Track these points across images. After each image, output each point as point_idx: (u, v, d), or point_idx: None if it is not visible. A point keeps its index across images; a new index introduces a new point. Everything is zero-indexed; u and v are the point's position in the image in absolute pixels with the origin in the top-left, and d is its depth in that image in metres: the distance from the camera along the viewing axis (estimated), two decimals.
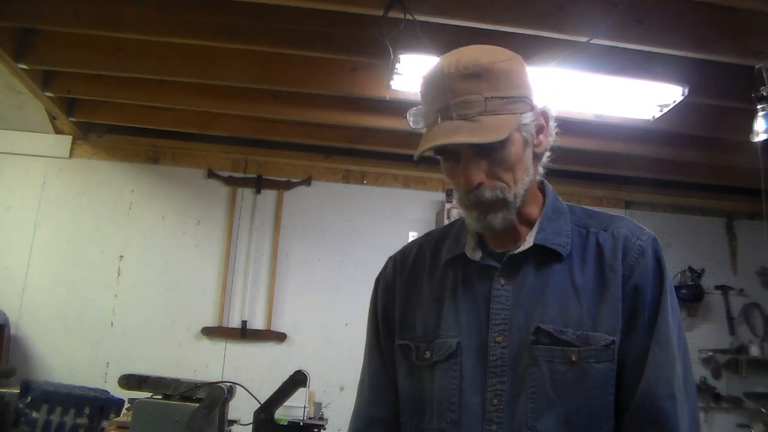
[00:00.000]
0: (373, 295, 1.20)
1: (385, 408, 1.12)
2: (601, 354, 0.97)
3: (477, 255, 1.09)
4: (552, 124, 1.08)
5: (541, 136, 1.06)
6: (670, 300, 1.02)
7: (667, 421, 0.94)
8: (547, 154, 1.09)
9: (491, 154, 0.99)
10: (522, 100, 1.00)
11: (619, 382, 0.98)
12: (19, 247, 3.89)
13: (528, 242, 1.05)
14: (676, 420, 0.95)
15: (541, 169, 1.10)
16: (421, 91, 1.04)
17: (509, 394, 0.98)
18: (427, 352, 1.06)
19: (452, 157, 1.02)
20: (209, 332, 3.92)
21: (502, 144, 0.99)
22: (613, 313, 0.99)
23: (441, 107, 0.98)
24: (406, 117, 1.06)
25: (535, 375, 0.97)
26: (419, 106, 1.04)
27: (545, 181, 1.13)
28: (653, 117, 3.02)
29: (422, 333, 1.09)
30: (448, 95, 0.97)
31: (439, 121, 0.98)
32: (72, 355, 3.76)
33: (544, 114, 1.06)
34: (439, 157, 1.05)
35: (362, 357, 1.20)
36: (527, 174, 1.04)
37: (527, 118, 1.01)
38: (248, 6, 2.62)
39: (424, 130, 1.03)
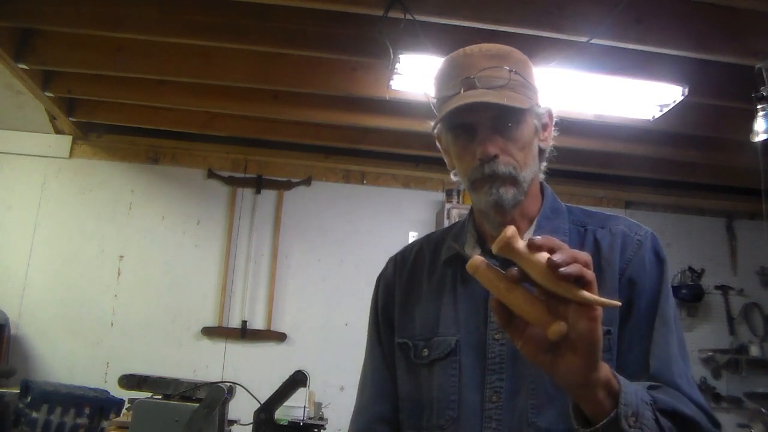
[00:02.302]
0: (374, 294, 1.21)
1: (387, 405, 1.12)
2: None
3: (476, 253, 1.09)
4: (553, 126, 1.11)
5: (546, 133, 1.10)
6: (670, 288, 1.04)
7: (684, 392, 0.94)
8: (548, 155, 1.12)
9: (507, 131, 1.02)
10: (535, 91, 1.06)
11: (623, 366, 0.97)
12: (19, 247, 3.90)
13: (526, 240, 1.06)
14: (692, 391, 0.94)
15: (541, 174, 1.12)
16: (439, 71, 1.07)
17: (508, 391, 0.99)
18: (425, 350, 1.07)
19: (466, 132, 1.04)
20: (209, 332, 3.92)
21: (518, 123, 1.02)
22: None
23: (464, 78, 1.01)
24: (425, 94, 1.10)
25: (534, 371, 0.97)
26: (437, 80, 1.07)
27: (544, 183, 1.15)
28: (653, 117, 3.02)
29: (421, 331, 1.09)
30: (472, 69, 1.01)
31: (462, 92, 1.00)
32: (72, 355, 3.77)
33: (549, 113, 1.10)
34: (450, 134, 1.06)
35: (362, 357, 1.20)
36: (534, 162, 1.07)
37: (539, 108, 1.07)
38: (248, 6, 2.62)
39: (437, 103, 1.06)
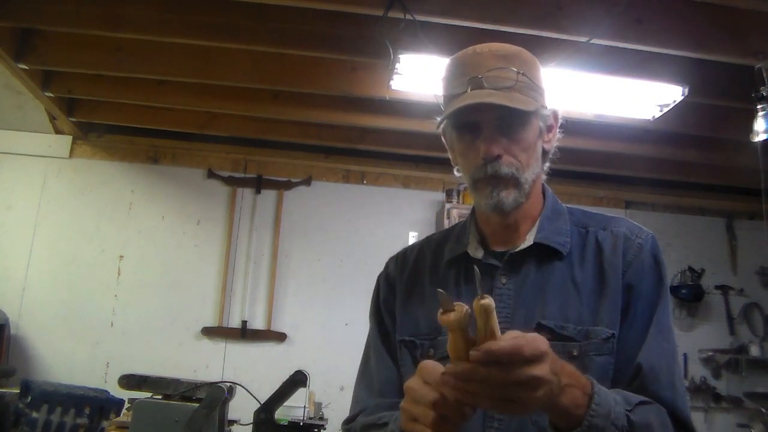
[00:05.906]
0: (374, 291, 1.20)
1: (395, 394, 1.10)
2: (602, 347, 0.98)
3: (479, 253, 1.09)
4: (557, 128, 1.11)
5: (550, 135, 1.10)
6: (668, 295, 1.05)
7: (667, 403, 0.95)
8: (551, 156, 1.12)
9: (511, 132, 1.02)
10: (542, 93, 1.06)
11: (617, 369, 0.99)
12: (19, 247, 3.89)
13: (528, 241, 1.06)
14: (677, 401, 0.96)
15: (544, 175, 1.12)
16: (448, 68, 1.07)
17: None
18: (431, 349, 1.06)
19: (471, 131, 1.04)
20: (209, 332, 3.92)
21: (523, 124, 1.02)
22: (612, 307, 1.00)
23: (472, 77, 1.01)
24: (434, 95, 1.09)
25: None
26: (445, 77, 1.07)
27: (545, 184, 1.15)
28: (653, 117, 3.02)
29: (426, 330, 1.09)
30: (480, 68, 1.01)
31: (469, 91, 1.00)
32: (72, 355, 3.77)
33: (555, 115, 1.10)
34: (455, 132, 1.07)
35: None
36: (537, 164, 1.07)
37: (544, 110, 1.07)
38: (248, 6, 2.62)
39: (443, 102, 1.06)
